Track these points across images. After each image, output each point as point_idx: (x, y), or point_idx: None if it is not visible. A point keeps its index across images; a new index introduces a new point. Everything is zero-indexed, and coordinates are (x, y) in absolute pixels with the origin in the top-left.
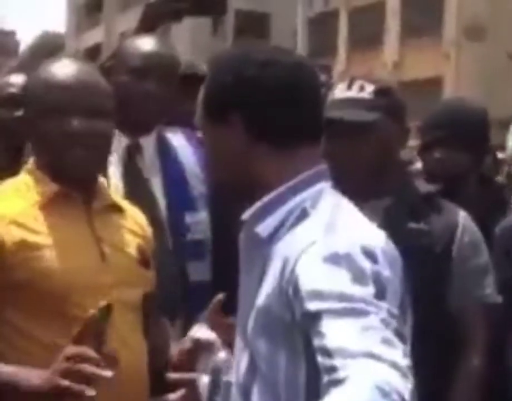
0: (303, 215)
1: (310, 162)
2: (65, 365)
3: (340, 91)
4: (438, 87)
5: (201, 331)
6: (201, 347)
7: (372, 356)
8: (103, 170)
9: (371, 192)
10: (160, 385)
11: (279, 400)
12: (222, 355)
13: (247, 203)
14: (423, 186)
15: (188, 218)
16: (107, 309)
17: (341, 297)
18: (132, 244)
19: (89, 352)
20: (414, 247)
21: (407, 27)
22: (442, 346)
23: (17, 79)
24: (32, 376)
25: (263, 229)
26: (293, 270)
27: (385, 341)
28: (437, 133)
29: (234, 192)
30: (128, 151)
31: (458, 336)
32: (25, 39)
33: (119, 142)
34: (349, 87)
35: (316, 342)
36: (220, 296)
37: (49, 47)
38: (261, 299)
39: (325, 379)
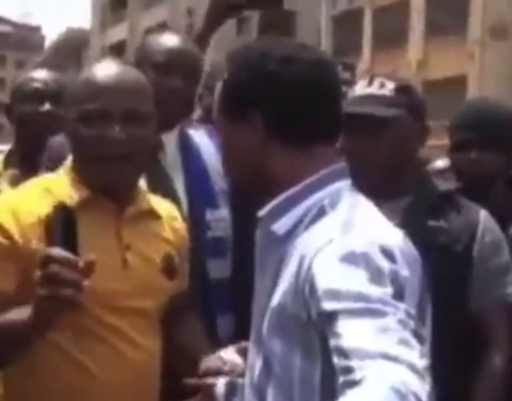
0: (321, 213)
1: (328, 160)
2: (40, 273)
3: (360, 88)
4: (462, 86)
5: (229, 352)
6: (226, 368)
7: (388, 357)
8: (139, 177)
9: (390, 191)
10: (178, 389)
11: (293, 400)
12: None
13: (265, 200)
14: (443, 185)
15: (209, 215)
16: (63, 210)
17: (359, 297)
18: (159, 253)
19: (62, 253)
20: (433, 244)
21: (432, 25)
22: (462, 345)
23: (40, 74)
24: (22, 313)
25: (280, 227)
26: (309, 269)
27: (403, 342)
28: (465, 135)
29: (250, 189)
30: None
31: (478, 335)
32: (51, 35)
33: None
34: (370, 83)
35: (332, 342)
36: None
37: (73, 43)
38: (276, 298)
39: (341, 379)
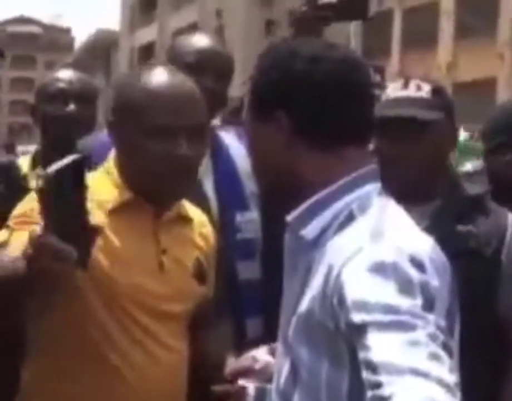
0: (350, 218)
1: (357, 163)
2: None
3: (395, 90)
4: (492, 88)
5: (260, 352)
6: (257, 366)
7: (417, 372)
8: None
9: (422, 195)
10: (205, 395)
11: None
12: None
13: (293, 203)
14: (472, 189)
15: (239, 217)
16: (52, 178)
17: (388, 309)
18: (190, 258)
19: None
20: (462, 249)
21: (461, 27)
22: (491, 351)
23: (65, 74)
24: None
25: (308, 232)
26: (338, 278)
27: (432, 357)
28: (499, 138)
29: (278, 191)
30: None
31: (506, 339)
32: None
33: None
34: (405, 86)
35: (361, 355)
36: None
37: (102, 44)
38: (304, 303)
39: (370, 394)
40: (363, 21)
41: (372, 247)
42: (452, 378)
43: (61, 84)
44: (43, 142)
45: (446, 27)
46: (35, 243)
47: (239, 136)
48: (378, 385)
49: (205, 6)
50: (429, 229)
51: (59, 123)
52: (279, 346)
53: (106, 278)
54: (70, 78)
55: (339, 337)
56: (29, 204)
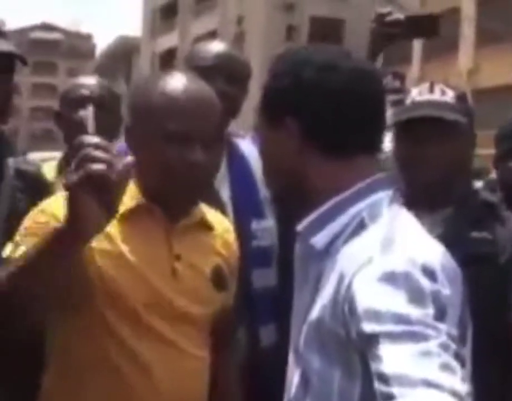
0: (360, 226)
1: (368, 171)
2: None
3: (421, 94)
4: None
5: None
6: None
7: (430, 384)
8: None
9: (441, 198)
10: None
11: None
12: None
13: (304, 210)
14: (487, 196)
15: (255, 225)
16: None
17: (399, 319)
18: (209, 264)
19: (94, 138)
20: (477, 255)
21: (482, 33)
22: (503, 358)
23: (88, 80)
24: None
25: (318, 241)
26: (349, 288)
27: (444, 367)
28: (508, 145)
29: (288, 198)
30: None
31: None
32: (101, 43)
33: None
34: (431, 90)
35: (373, 365)
36: None
37: (124, 51)
38: (314, 312)
39: None
40: (431, 37)
41: (383, 257)
42: (464, 388)
43: (84, 91)
44: (67, 148)
45: (467, 33)
46: (77, 144)
47: (255, 142)
48: (390, 397)
49: (226, 12)
50: (442, 236)
51: (81, 130)
52: (291, 353)
53: (117, 284)
54: (93, 84)
55: (350, 346)
56: (34, 217)
